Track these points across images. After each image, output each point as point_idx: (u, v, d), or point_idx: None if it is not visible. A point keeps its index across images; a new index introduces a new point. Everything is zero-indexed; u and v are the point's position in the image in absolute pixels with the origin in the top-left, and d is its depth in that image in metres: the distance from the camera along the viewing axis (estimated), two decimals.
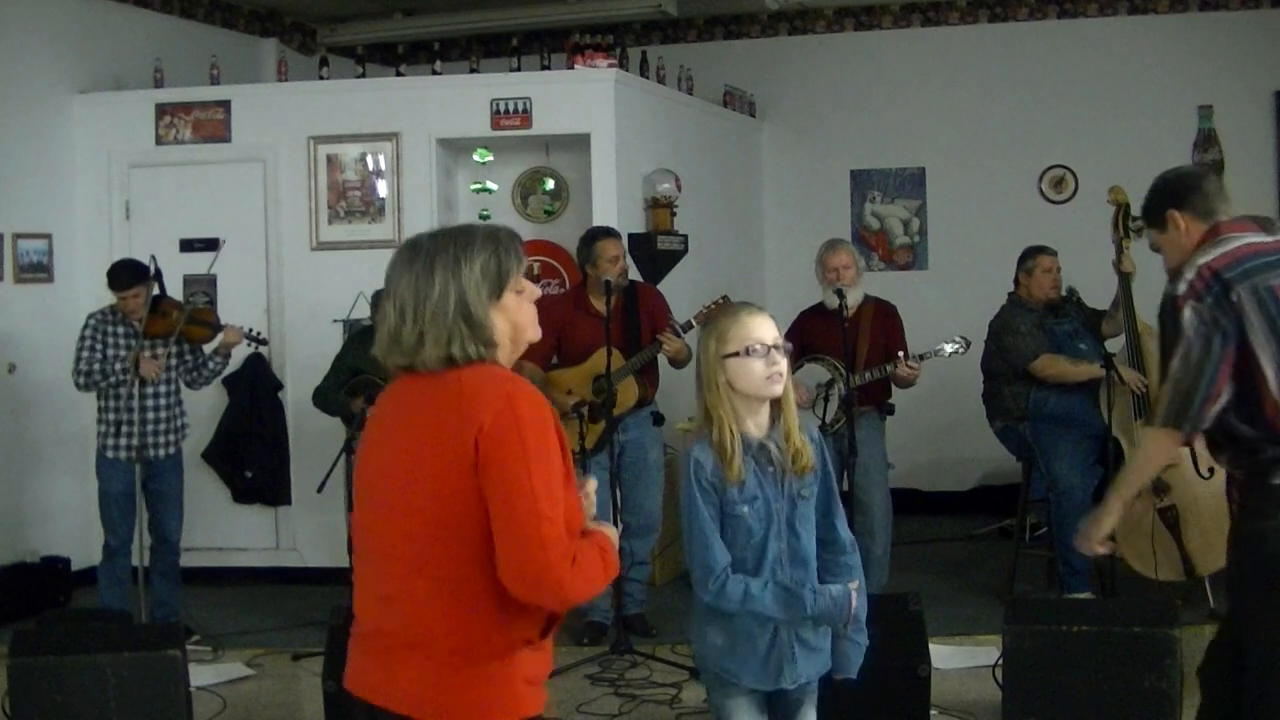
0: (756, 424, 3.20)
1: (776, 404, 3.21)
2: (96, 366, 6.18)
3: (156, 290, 6.29)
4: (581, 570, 2.39)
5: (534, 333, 2.59)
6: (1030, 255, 6.77)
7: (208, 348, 6.51)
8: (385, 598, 2.49)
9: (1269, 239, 3.58)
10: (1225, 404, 3.32)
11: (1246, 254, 3.45)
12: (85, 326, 6.29)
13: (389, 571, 2.49)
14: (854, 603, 3.21)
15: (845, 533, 3.35)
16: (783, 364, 3.18)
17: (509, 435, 2.37)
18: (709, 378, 3.19)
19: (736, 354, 3.15)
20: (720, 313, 3.29)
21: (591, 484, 2.61)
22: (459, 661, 2.42)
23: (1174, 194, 3.69)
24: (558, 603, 2.43)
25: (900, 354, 6.33)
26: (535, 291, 2.59)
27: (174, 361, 6.39)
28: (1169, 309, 3.42)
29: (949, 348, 6.35)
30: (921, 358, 6.35)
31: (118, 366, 6.16)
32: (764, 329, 3.18)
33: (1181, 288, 3.39)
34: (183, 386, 6.51)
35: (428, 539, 2.42)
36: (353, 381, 6.44)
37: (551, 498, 2.38)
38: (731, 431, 3.15)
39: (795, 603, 3.14)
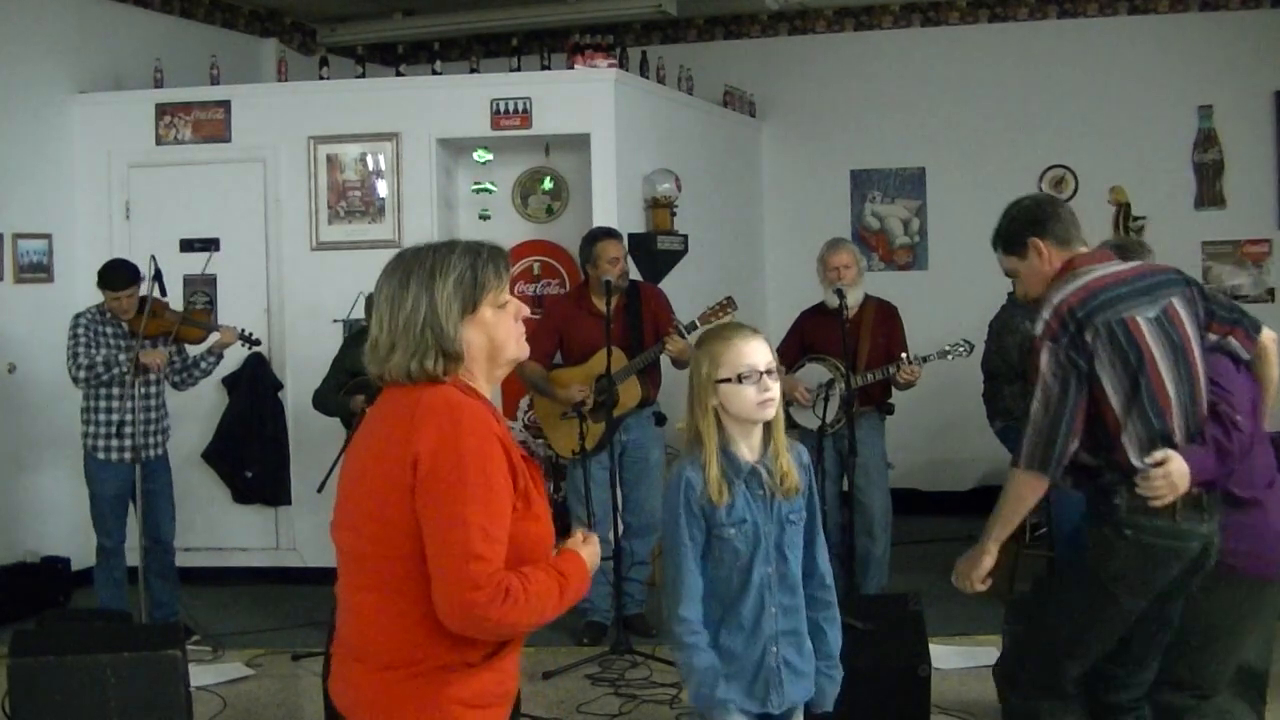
0: (749, 446, 3.18)
1: (768, 425, 3.19)
2: (100, 359, 6.14)
3: (156, 291, 6.28)
4: (516, 606, 2.36)
5: (516, 349, 2.57)
6: None
7: (201, 347, 6.49)
8: (343, 607, 2.54)
9: (1124, 268, 3.64)
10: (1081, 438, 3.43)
11: (1099, 287, 3.50)
12: (75, 325, 6.23)
13: (344, 583, 2.53)
14: None
15: (825, 564, 3.30)
16: (775, 389, 3.15)
17: (446, 466, 2.35)
18: (700, 400, 3.17)
19: (729, 380, 3.12)
20: (714, 335, 3.26)
21: (579, 534, 2.64)
22: (393, 677, 2.43)
23: (1035, 221, 3.74)
24: (489, 636, 2.42)
25: (902, 356, 6.34)
26: (520, 309, 2.57)
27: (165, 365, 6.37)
28: (1026, 349, 3.55)
29: (951, 351, 6.35)
30: (924, 360, 6.36)
31: (122, 359, 6.15)
32: (757, 354, 3.15)
33: (1039, 328, 3.46)
34: (168, 388, 6.49)
35: (371, 554, 2.44)
36: (351, 383, 6.43)
37: (486, 534, 2.34)
38: (722, 454, 3.14)
39: (707, 701, 3.13)
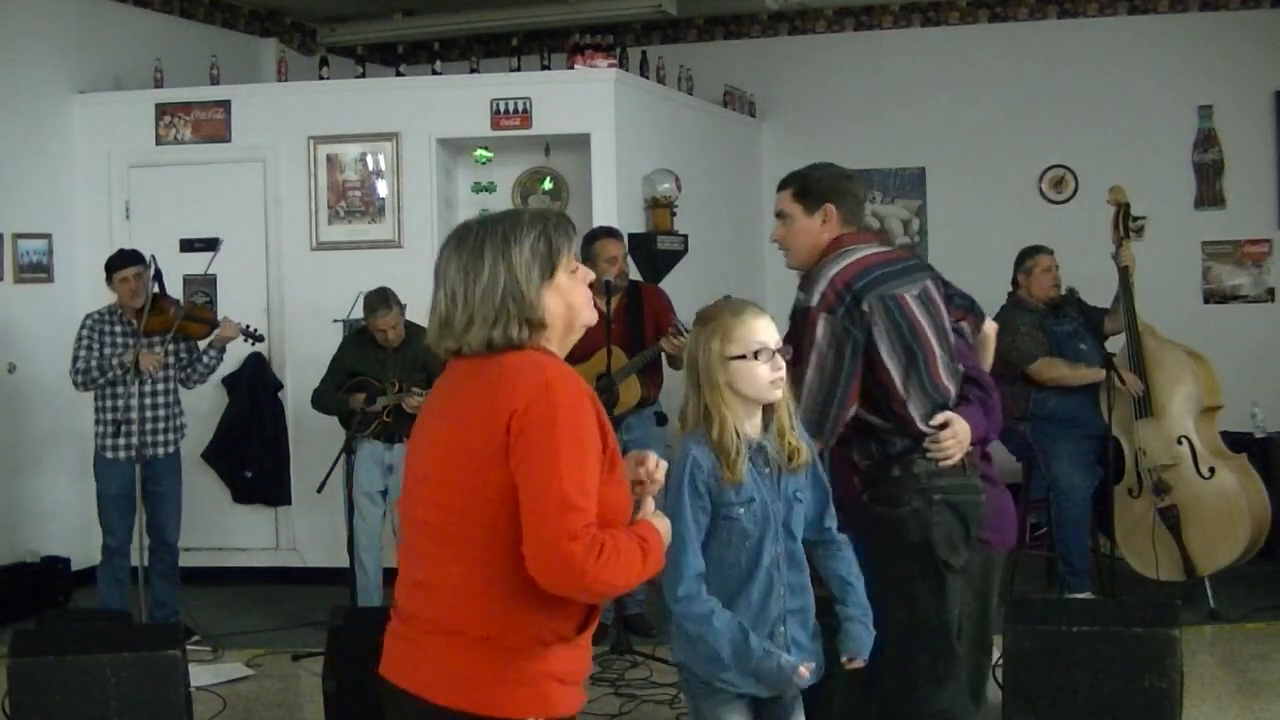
0: (753, 425, 3.16)
1: (769, 405, 3.18)
2: (94, 363, 6.17)
3: (156, 289, 6.29)
4: (610, 562, 2.31)
5: (589, 314, 2.53)
6: (1028, 255, 6.77)
7: (203, 343, 6.50)
8: (419, 584, 2.46)
9: (888, 250, 3.83)
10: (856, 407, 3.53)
11: (872, 264, 3.62)
12: (82, 326, 6.28)
13: (424, 558, 2.45)
14: (801, 677, 3.12)
15: (836, 530, 3.30)
16: (784, 367, 3.15)
17: (541, 420, 2.31)
18: (710, 376, 3.13)
19: (742, 356, 3.10)
20: (723, 310, 3.22)
21: (652, 457, 2.56)
22: (488, 651, 2.37)
23: (837, 190, 3.77)
24: (582, 594, 2.36)
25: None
26: (589, 274, 2.54)
27: (171, 360, 6.38)
28: (801, 318, 3.55)
29: None
30: None
31: (115, 362, 6.16)
32: (768, 331, 3.14)
33: (815, 299, 3.54)
34: (179, 386, 6.51)
35: (460, 525, 2.38)
36: (350, 383, 6.44)
37: (581, 487, 2.31)
38: (736, 431, 3.10)
39: (744, 653, 3.08)
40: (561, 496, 2.28)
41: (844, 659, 3.24)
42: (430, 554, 2.43)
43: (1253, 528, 6.25)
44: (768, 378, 3.11)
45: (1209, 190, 9.07)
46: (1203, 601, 6.25)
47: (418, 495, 2.48)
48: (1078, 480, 6.43)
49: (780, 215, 3.81)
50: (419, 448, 2.53)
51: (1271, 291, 8.99)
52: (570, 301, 2.48)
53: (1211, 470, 6.29)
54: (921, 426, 3.56)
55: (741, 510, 3.10)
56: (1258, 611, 6.33)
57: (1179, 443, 6.35)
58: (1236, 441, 6.81)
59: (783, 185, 3.83)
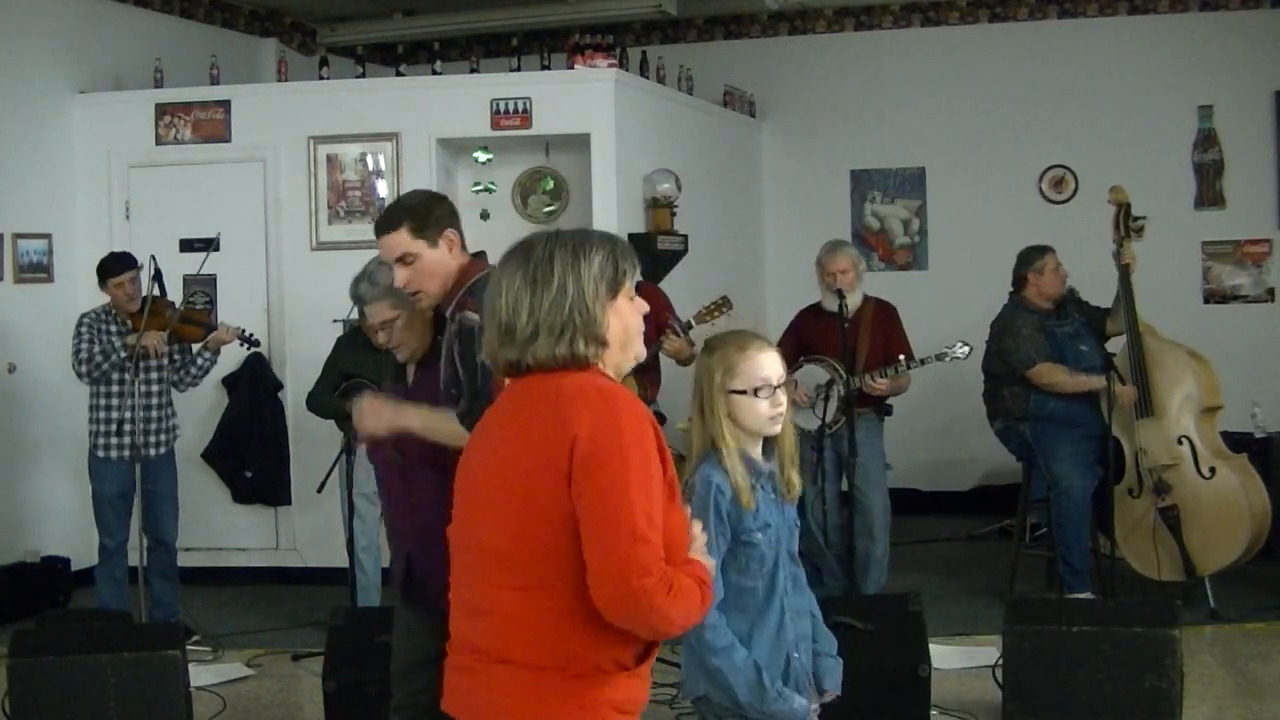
0: (756, 453, 3.17)
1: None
2: (98, 349, 6.17)
3: (156, 290, 6.28)
4: (678, 600, 2.25)
5: (641, 346, 2.50)
6: (1038, 255, 6.71)
7: (198, 346, 6.50)
8: (476, 612, 2.39)
9: None
10: None
11: None
12: (79, 324, 6.29)
13: (481, 585, 2.39)
14: (807, 716, 3.12)
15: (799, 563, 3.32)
16: (784, 402, 3.13)
17: (607, 447, 2.26)
18: (711, 406, 3.12)
19: (744, 392, 3.09)
20: (729, 342, 3.19)
21: (698, 526, 2.51)
22: (549, 680, 2.31)
23: (452, 214, 3.68)
24: (650, 632, 2.30)
25: (900, 357, 6.35)
26: (644, 306, 2.51)
27: (165, 361, 6.38)
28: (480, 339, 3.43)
29: (948, 354, 6.37)
30: (922, 363, 6.37)
31: (118, 344, 6.17)
32: (771, 366, 3.12)
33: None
34: (172, 388, 6.50)
35: (519, 551, 2.32)
36: (345, 385, 6.42)
37: (651, 518, 2.24)
38: (737, 465, 3.09)
39: (759, 693, 3.05)
40: (631, 528, 2.22)
41: (824, 694, 3.25)
42: (489, 580, 2.37)
43: (1253, 528, 6.24)
44: (767, 414, 3.10)
45: (1209, 190, 9.07)
46: (1203, 601, 6.25)
47: (472, 520, 2.43)
48: (1078, 480, 6.43)
49: (403, 259, 3.57)
50: (472, 471, 2.47)
51: (1271, 291, 8.99)
52: (627, 325, 2.45)
53: (1212, 470, 6.29)
54: None
55: (760, 535, 3.10)
56: (1258, 611, 6.33)
57: (1180, 443, 6.34)
58: (1236, 441, 6.81)
59: (391, 229, 3.57)
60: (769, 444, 3.18)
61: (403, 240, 3.56)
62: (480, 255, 3.70)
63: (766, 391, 3.09)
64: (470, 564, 2.42)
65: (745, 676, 3.05)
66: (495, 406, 2.51)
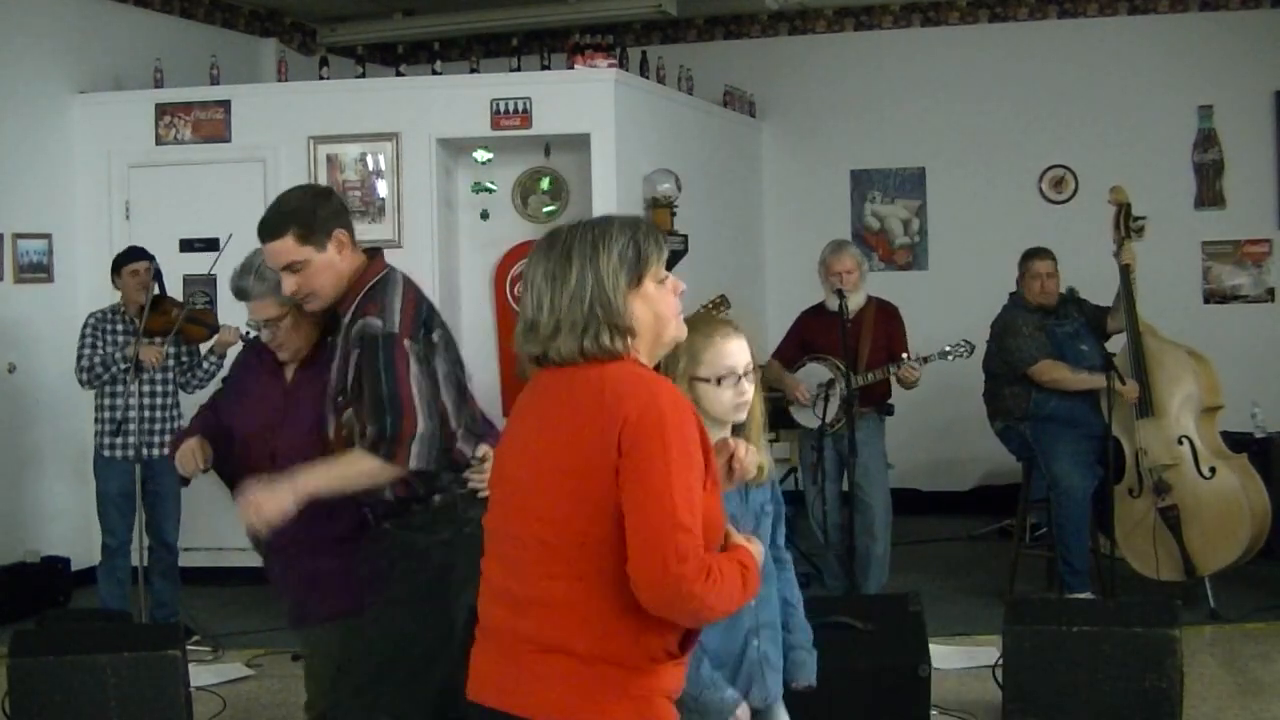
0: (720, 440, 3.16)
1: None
2: (98, 360, 6.19)
3: (156, 290, 6.29)
4: (717, 586, 2.26)
5: (678, 327, 2.49)
6: (1025, 258, 6.73)
7: (203, 348, 6.51)
8: (520, 600, 2.37)
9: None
10: None
11: (420, 294, 3.51)
12: (85, 325, 6.31)
13: (525, 573, 2.37)
14: (735, 710, 3.07)
15: (784, 550, 3.30)
16: (750, 390, 3.07)
17: (651, 434, 2.26)
18: None
19: (706, 380, 3.04)
20: (696, 328, 3.09)
21: (740, 445, 2.54)
22: (601, 669, 2.31)
23: (339, 211, 3.52)
24: (690, 619, 2.31)
25: (904, 355, 6.35)
26: (679, 285, 2.50)
27: (170, 362, 6.38)
28: (386, 344, 3.32)
29: (952, 351, 6.37)
30: (925, 360, 6.37)
31: (118, 355, 6.18)
32: (738, 355, 3.06)
33: (393, 324, 3.34)
34: (178, 389, 6.50)
35: (566, 541, 2.32)
36: None
37: (690, 506, 2.25)
38: None
39: (693, 679, 2.96)
40: (673, 516, 2.23)
41: (791, 684, 3.24)
42: (536, 571, 2.35)
43: (1253, 528, 6.24)
44: (731, 402, 3.04)
45: (1209, 190, 9.07)
46: (1203, 601, 6.25)
47: (515, 508, 2.42)
48: (1078, 480, 6.43)
49: (290, 267, 3.40)
50: (510, 459, 2.46)
51: (1271, 291, 8.99)
52: (658, 310, 2.44)
53: (1213, 470, 6.29)
54: (471, 457, 3.51)
55: None
56: (1258, 611, 6.33)
57: (1180, 443, 6.34)
58: (1236, 441, 6.81)
59: (275, 236, 3.40)
60: (737, 430, 3.16)
61: (288, 248, 3.39)
62: (376, 253, 3.57)
63: (731, 380, 3.04)
64: (516, 554, 2.40)
65: (702, 680, 3.01)
66: (526, 397, 2.49)
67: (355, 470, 3.32)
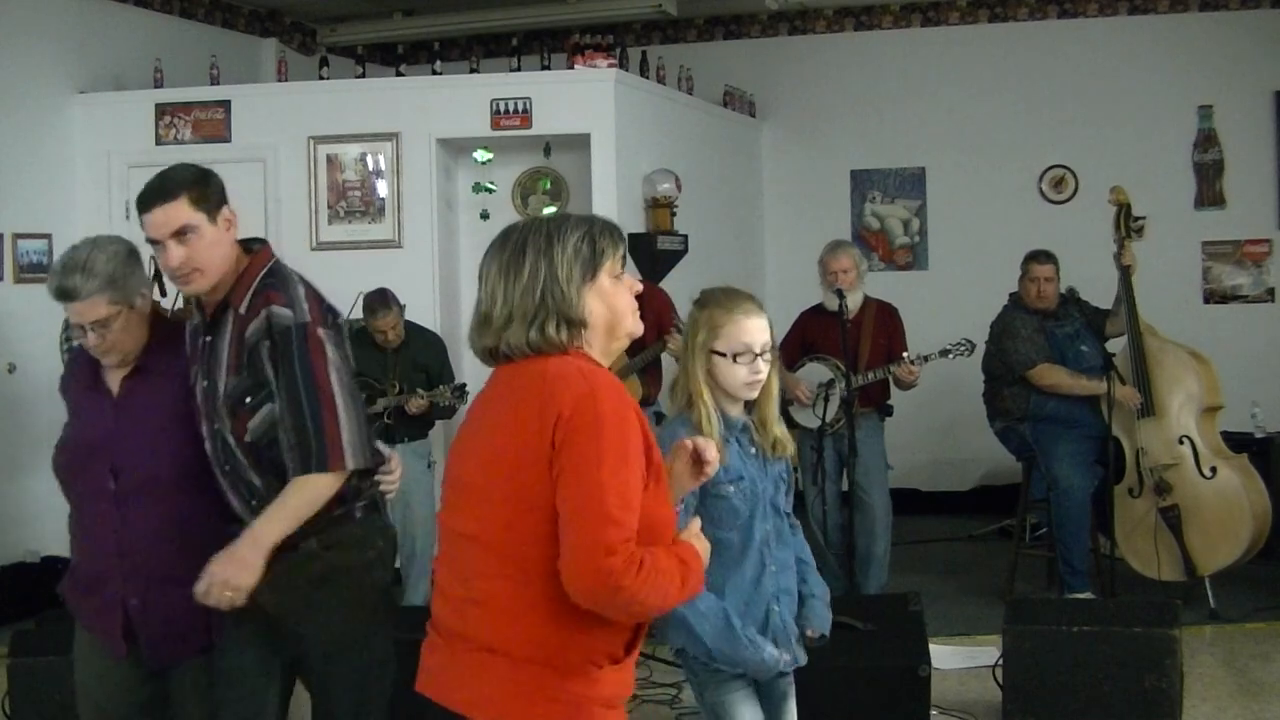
0: (736, 410, 3.18)
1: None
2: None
3: (155, 292, 6.27)
4: (650, 580, 2.24)
5: (633, 323, 2.47)
6: (1025, 260, 6.73)
7: None
8: (465, 600, 2.37)
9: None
10: None
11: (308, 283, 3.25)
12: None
13: (468, 573, 2.37)
14: (780, 667, 3.13)
15: (793, 516, 3.33)
16: (765, 369, 3.11)
17: (584, 428, 2.25)
18: (691, 362, 3.13)
19: (723, 354, 3.09)
20: (719, 302, 3.16)
21: (696, 523, 2.50)
22: (534, 671, 2.30)
23: (224, 194, 3.24)
24: (616, 611, 2.29)
25: (904, 355, 6.35)
26: (635, 285, 2.48)
27: None
28: (300, 334, 3.10)
29: (952, 350, 6.37)
30: (925, 359, 6.36)
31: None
32: (757, 332, 3.10)
33: (303, 312, 3.14)
34: None
35: (506, 539, 2.31)
36: None
37: (624, 500, 2.24)
38: (711, 416, 3.09)
39: (728, 638, 3.05)
40: (602, 509, 2.22)
41: (808, 633, 3.25)
42: (476, 570, 2.35)
43: (1254, 528, 6.24)
44: (744, 379, 3.09)
45: (1209, 190, 9.07)
46: (1203, 601, 6.25)
47: (459, 506, 2.42)
48: (1078, 480, 6.43)
49: (181, 233, 3.13)
50: (460, 458, 2.46)
51: (1271, 291, 8.99)
52: (612, 305, 2.43)
53: (1213, 470, 6.29)
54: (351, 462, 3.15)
55: (731, 488, 3.10)
56: (1258, 611, 6.33)
57: (1180, 443, 6.34)
58: (1237, 441, 6.81)
59: (167, 199, 3.15)
60: (751, 408, 3.18)
61: (183, 211, 3.12)
62: (261, 243, 3.30)
63: (747, 358, 3.07)
64: (461, 552, 2.40)
65: (713, 623, 3.06)
66: (483, 392, 2.49)
67: (306, 498, 3.06)
